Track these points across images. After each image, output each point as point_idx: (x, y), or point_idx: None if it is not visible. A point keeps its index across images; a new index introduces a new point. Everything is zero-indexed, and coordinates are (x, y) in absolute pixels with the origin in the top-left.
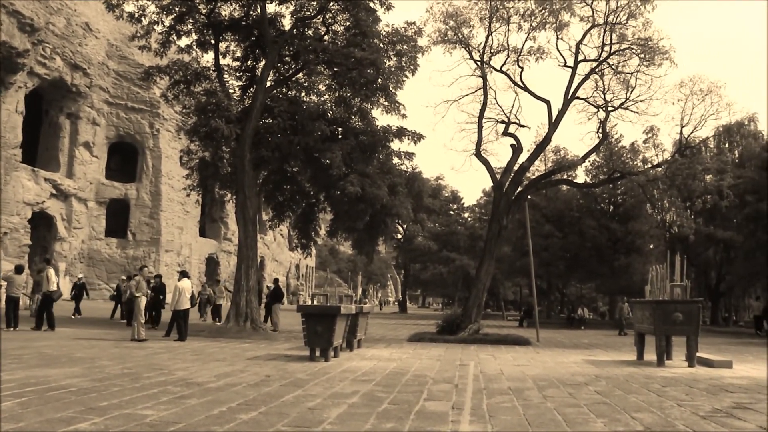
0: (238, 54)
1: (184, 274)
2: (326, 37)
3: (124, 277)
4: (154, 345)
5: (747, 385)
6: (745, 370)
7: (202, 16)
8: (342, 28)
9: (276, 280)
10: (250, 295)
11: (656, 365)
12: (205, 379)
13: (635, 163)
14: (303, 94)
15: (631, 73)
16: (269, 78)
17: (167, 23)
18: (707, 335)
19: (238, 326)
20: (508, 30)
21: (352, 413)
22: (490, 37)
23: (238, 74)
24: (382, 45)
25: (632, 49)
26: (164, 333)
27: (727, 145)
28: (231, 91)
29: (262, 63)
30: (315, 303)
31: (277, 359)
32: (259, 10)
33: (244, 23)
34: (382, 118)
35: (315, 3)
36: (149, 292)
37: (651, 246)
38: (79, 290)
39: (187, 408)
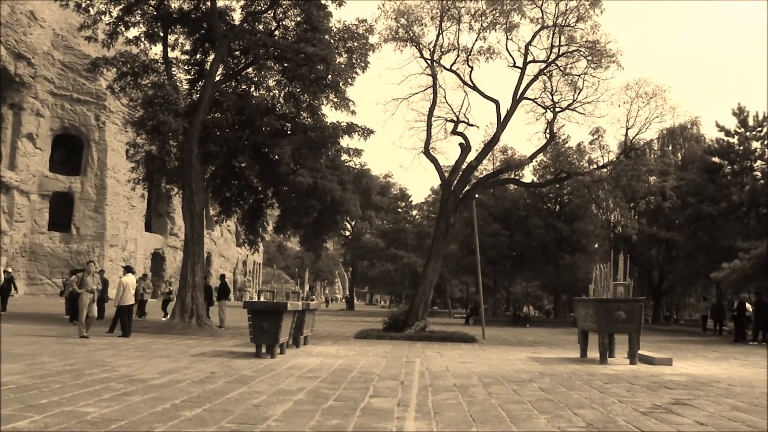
0: (187, 47)
1: (128, 270)
2: (277, 32)
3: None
4: (97, 341)
5: (686, 381)
6: (685, 368)
7: (150, 8)
8: (293, 23)
9: (222, 276)
10: (196, 291)
11: (599, 362)
12: (148, 375)
13: (581, 163)
14: (252, 88)
15: (579, 75)
16: (218, 72)
17: (115, 14)
18: (649, 333)
19: (183, 322)
20: (459, 29)
21: (298, 410)
22: (440, 36)
23: (186, 67)
24: (332, 41)
25: (580, 51)
26: (108, 329)
27: (670, 148)
28: (179, 84)
29: (212, 57)
30: (262, 299)
31: (222, 356)
32: (209, 3)
33: (193, 16)
34: (331, 114)
35: None
36: (98, 288)
37: (596, 245)
38: (7, 284)
39: (129, 405)
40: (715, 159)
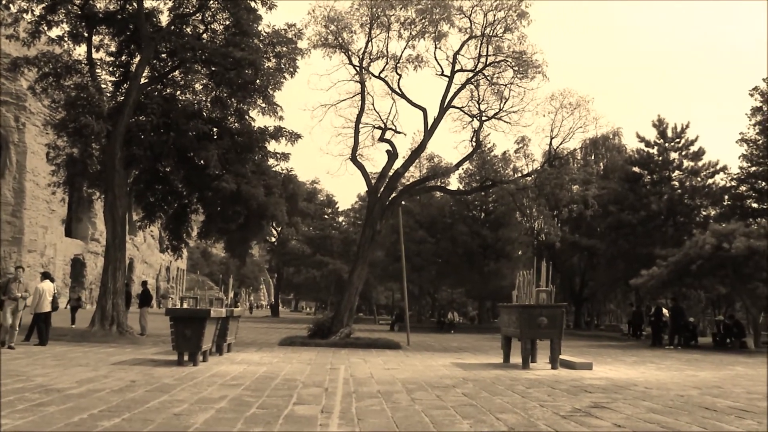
0: (113, 48)
1: (46, 276)
2: (205, 36)
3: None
4: (11, 350)
5: (605, 385)
6: (604, 372)
7: (75, 7)
8: (221, 27)
9: (144, 283)
10: (117, 297)
11: (521, 368)
12: (66, 385)
13: (506, 171)
14: (179, 92)
15: (506, 85)
16: (144, 75)
17: (38, 12)
18: (570, 338)
19: (103, 330)
20: (388, 37)
21: (220, 418)
22: (370, 43)
23: (111, 69)
24: (261, 46)
25: (507, 61)
26: (24, 337)
27: (593, 157)
28: (103, 86)
29: (137, 59)
30: (184, 306)
31: (143, 364)
32: (135, 4)
33: (119, 17)
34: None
35: (195, 0)
36: (25, 294)
37: (519, 252)
38: None
39: (45, 416)
40: (636, 169)
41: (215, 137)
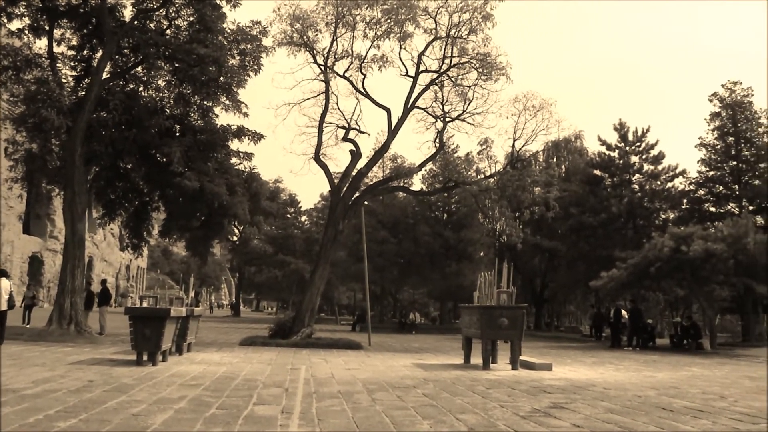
0: (74, 42)
1: (2, 274)
2: (168, 32)
3: None
4: None
5: (564, 386)
6: (564, 372)
7: (36, 0)
8: (185, 23)
9: (104, 282)
10: (75, 296)
11: (482, 368)
12: (21, 385)
13: (469, 173)
14: (141, 88)
15: (470, 86)
16: (106, 70)
17: None
18: (531, 339)
19: (61, 329)
20: (354, 37)
21: (179, 419)
22: (335, 42)
23: (72, 64)
24: (226, 43)
25: (471, 63)
26: None
27: (554, 160)
28: (64, 81)
29: (99, 54)
30: (144, 305)
31: (101, 364)
32: None
33: (82, 10)
34: (222, 116)
35: None
36: None
37: (481, 253)
38: None
39: None
40: (597, 172)
41: (178, 134)
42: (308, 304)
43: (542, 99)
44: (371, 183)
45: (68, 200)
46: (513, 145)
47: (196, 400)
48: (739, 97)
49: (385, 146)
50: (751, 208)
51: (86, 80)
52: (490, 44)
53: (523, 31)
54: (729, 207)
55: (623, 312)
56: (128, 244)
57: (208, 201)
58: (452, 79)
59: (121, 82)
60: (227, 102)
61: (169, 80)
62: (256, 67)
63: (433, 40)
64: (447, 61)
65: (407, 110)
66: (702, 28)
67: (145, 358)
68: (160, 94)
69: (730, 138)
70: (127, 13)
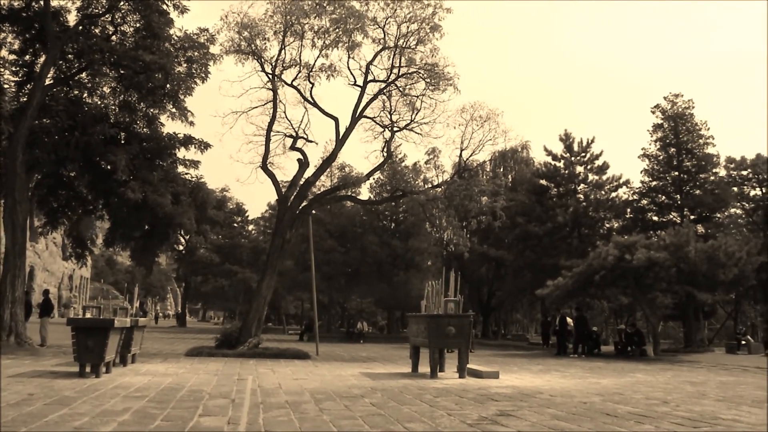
0: (16, 47)
1: None
2: (114, 38)
3: None
4: None
5: (511, 393)
6: (510, 380)
7: None
8: (132, 29)
9: (46, 292)
10: (16, 307)
11: (429, 377)
12: None
13: (417, 182)
14: (85, 95)
15: (417, 96)
16: (49, 75)
17: None
18: (478, 347)
19: (0, 341)
20: (302, 45)
21: (123, 431)
22: (283, 51)
23: (14, 69)
24: (173, 50)
25: (419, 73)
26: None
27: (501, 170)
28: (5, 86)
29: (42, 59)
30: (87, 316)
31: (42, 376)
32: (42, 2)
33: (24, 14)
34: (169, 124)
35: (104, 0)
36: None
37: (429, 262)
38: None
39: None
40: (543, 182)
41: (123, 142)
42: (255, 314)
43: (489, 109)
44: (319, 192)
45: (9, 209)
46: (460, 155)
47: (140, 412)
48: (680, 109)
49: (333, 155)
50: (692, 217)
51: (28, 86)
52: (438, 55)
53: (471, 41)
54: (671, 216)
55: (569, 320)
56: (71, 254)
57: (151, 211)
58: (400, 89)
59: (65, 89)
60: (173, 110)
61: (114, 87)
62: (203, 75)
63: (381, 50)
64: (395, 70)
65: (355, 119)
66: (644, 40)
67: (88, 369)
68: (105, 101)
69: (672, 149)
70: (72, 18)
